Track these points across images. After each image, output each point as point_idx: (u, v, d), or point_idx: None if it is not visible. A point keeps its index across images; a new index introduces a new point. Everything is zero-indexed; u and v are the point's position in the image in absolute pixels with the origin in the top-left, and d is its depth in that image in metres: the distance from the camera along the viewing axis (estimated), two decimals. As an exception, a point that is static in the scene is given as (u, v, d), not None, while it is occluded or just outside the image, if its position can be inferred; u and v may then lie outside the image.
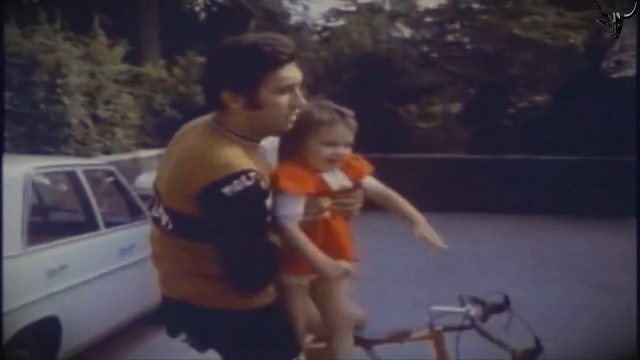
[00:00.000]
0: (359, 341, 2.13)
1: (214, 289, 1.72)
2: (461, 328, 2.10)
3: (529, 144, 11.20)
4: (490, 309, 2.18)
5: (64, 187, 5.15)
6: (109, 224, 4.25)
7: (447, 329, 2.12)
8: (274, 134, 1.83)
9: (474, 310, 2.11)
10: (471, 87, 12.63)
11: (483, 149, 11.33)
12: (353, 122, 1.89)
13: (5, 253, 3.07)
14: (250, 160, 1.71)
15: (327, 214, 1.81)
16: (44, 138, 7.94)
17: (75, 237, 3.84)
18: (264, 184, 1.70)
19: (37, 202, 4.77)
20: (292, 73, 1.76)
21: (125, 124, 10.41)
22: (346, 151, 1.88)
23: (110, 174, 4.80)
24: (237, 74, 1.70)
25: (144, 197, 6.15)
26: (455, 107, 12.96)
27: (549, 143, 11.10)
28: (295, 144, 1.84)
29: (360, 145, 1.95)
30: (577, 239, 8.82)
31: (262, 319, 1.76)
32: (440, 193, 10.47)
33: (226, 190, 1.62)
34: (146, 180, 9.40)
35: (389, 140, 10.68)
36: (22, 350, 3.21)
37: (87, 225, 4.11)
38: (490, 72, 11.87)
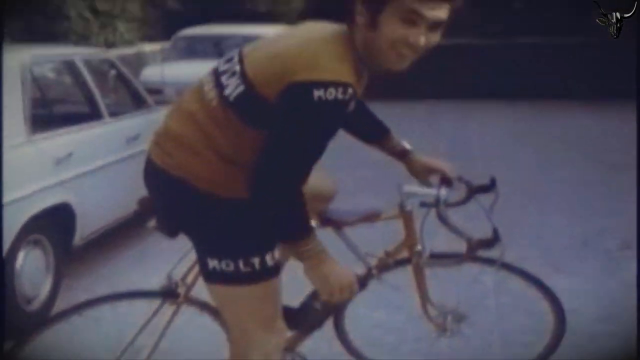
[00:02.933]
0: (329, 222, 2.13)
1: (217, 173, 1.71)
2: (423, 205, 2.07)
3: (539, 26, 10.91)
4: (475, 189, 2.16)
5: (66, 79, 5.11)
6: (113, 114, 4.27)
7: (422, 204, 2.09)
8: (384, 67, 1.66)
9: (444, 193, 2.07)
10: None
11: (492, 33, 11.05)
12: None
13: (9, 142, 3.12)
14: (355, 80, 1.61)
15: None
16: (42, 32, 7.82)
17: (80, 126, 3.87)
18: (352, 105, 1.63)
19: (39, 95, 4.78)
20: (430, 10, 1.57)
21: (127, 17, 10.21)
22: None
23: (110, 64, 4.75)
24: None
25: (151, 91, 6.14)
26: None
27: (558, 25, 10.80)
28: None
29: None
30: (588, 121, 8.79)
31: (248, 209, 1.74)
32: (449, 79, 10.35)
33: (317, 93, 1.53)
34: (151, 73, 9.35)
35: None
36: (39, 235, 3.33)
37: (91, 114, 4.12)
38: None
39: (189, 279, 2.04)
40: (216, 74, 1.76)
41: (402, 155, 2.18)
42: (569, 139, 7.84)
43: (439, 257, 2.16)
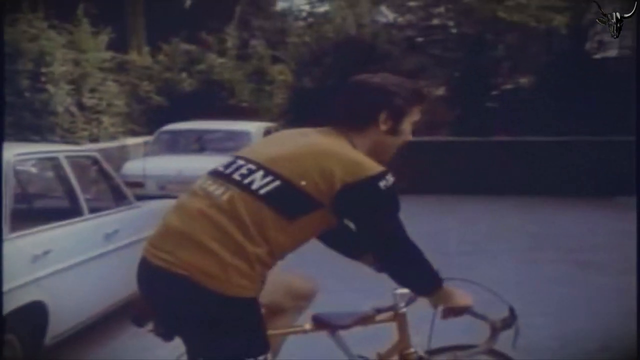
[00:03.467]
0: (323, 325, 2.16)
1: (226, 269, 1.75)
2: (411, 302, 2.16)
3: (513, 126, 11.29)
4: (500, 327, 2.21)
5: (48, 174, 5.15)
6: (93, 210, 4.28)
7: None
8: (382, 161, 1.98)
9: None
10: (456, 70, 12.68)
11: (468, 131, 11.41)
12: None
13: (-12, 239, 3.10)
14: None
15: None
16: (29, 126, 7.94)
17: (59, 223, 3.87)
18: None
19: (20, 190, 4.80)
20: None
21: (112, 112, 10.41)
22: None
23: (93, 160, 4.82)
24: (402, 98, 2.01)
25: (132, 184, 6.19)
26: (440, 90, 13.02)
27: (533, 124, 11.19)
28: None
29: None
30: (564, 218, 8.92)
31: (245, 309, 1.79)
32: (427, 175, 10.55)
33: (382, 184, 1.86)
34: (133, 167, 9.44)
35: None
36: (9, 335, 3.25)
37: (71, 211, 4.13)
38: (474, 54, 11.93)
39: None
40: (221, 175, 1.88)
41: None
42: (547, 236, 7.92)
43: (432, 353, 2.18)
